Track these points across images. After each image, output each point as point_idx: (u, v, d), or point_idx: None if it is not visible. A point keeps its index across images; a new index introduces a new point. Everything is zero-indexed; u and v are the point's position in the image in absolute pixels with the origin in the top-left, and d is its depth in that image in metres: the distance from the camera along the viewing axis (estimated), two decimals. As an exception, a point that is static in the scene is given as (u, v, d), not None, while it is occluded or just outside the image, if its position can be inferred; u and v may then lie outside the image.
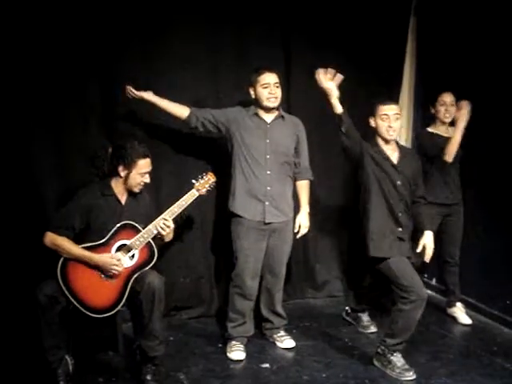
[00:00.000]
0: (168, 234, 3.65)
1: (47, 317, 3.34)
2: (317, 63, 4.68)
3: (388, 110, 3.81)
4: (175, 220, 3.67)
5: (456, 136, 4.28)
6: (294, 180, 4.07)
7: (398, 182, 3.83)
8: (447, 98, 4.41)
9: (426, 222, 3.95)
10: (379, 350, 3.82)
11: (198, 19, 4.35)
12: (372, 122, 3.86)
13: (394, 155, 3.87)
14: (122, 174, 3.52)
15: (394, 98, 5.11)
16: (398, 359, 3.75)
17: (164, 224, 3.56)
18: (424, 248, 3.88)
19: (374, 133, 3.87)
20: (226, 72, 4.47)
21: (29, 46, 3.87)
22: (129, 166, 3.51)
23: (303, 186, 4.08)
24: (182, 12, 4.28)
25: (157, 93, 4.24)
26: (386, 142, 3.85)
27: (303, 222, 4.05)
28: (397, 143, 3.94)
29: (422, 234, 3.92)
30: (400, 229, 3.83)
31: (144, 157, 3.54)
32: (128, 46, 4.17)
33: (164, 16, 4.22)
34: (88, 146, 4.10)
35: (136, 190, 3.58)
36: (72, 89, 4.05)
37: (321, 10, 4.72)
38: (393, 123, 3.80)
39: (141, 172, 3.53)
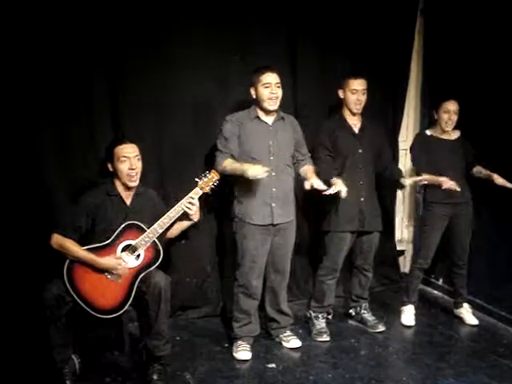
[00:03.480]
0: (195, 213, 3.70)
1: (54, 316, 3.35)
2: (323, 63, 4.75)
3: (357, 85, 4.14)
4: (178, 219, 3.70)
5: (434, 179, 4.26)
6: (297, 171, 4.04)
7: (360, 151, 4.17)
8: (451, 106, 4.34)
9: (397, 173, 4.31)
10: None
11: (203, 19, 4.34)
12: (341, 94, 4.20)
13: (357, 126, 4.23)
14: (111, 169, 3.57)
15: (400, 97, 5.15)
16: (319, 322, 4.30)
17: (187, 204, 3.63)
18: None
19: (340, 104, 4.24)
20: (231, 72, 4.46)
21: (36, 45, 3.88)
22: (112, 159, 3.55)
23: (309, 168, 4.03)
24: (187, 12, 4.28)
25: (160, 92, 4.28)
26: (353, 113, 4.19)
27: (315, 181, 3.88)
28: (361, 115, 4.25)
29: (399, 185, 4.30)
30: (361, 198, 4.17)
31: (120, 143, 3.58)
32: (133, 46, 4.17)
33: (169, 15, 4.22)
34: (94, 146, 4.12)
35: (129, 182, 3.56)
36: (78, 89, 4.06)
37: (327, 11, 4.71)
38: (360, 97, 4.14)
39: (120, 159, 3.54)
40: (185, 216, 3.70)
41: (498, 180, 4.28)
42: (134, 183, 3.58)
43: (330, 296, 4.36)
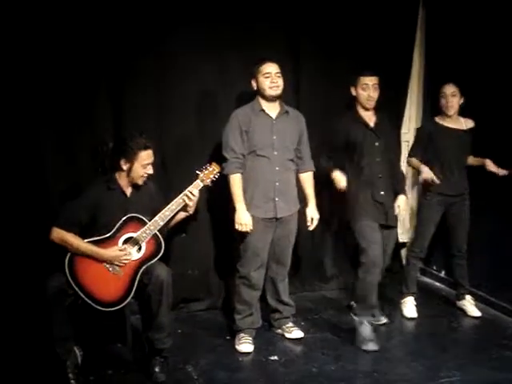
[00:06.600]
0: (192, 205, 3.69)
1: (56, 309, 3.35)
2: (325, 57, 4.73)
3: (368, 80, 4.11)
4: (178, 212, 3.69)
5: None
6: (297, 172, 4.08)
7: (376, 144, 4.13)
8: (447, 89, 4.37)
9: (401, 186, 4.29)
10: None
11: (205, 17, 4.34)
12: (353, 91, 4.17)
13: (372, 120, 4.18)
14: (125, 167, 3.51)
15: (402, 89, 5.13)
16: (364, 328, 4.00)
17: (187, 196, 3.62)
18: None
19: (353, 101, 4.20)
20: (232, 73, 4.46)
21: (39, 50, 3.91)
22: (130, 159, 3.49)
23: (308, 179, 4.10)
24: (189, 9, 4.28)
25: (162, 93, 4.29)
26: (366, 109, 4.17)
27: (314, 215, 4.06)
28: (375, 110, 4.21)
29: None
30: (381, 192, 4.12)
31: (145, 148, 3.52)
32: (135, 48, 4.17)
33: (170, 13, 4.22)
34: (94, 144, 4.13)
35: (140, 182, 3.56)
36: (80, 90, 4.08)
37: (329, 4, 4.69)
38: (372, 93, 4.11)
39: (143, 164, 3.51)
40: (181, 208, 3.69)
41: (490, 167, 4.35)
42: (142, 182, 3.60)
43: (373, 295, 4.08)
